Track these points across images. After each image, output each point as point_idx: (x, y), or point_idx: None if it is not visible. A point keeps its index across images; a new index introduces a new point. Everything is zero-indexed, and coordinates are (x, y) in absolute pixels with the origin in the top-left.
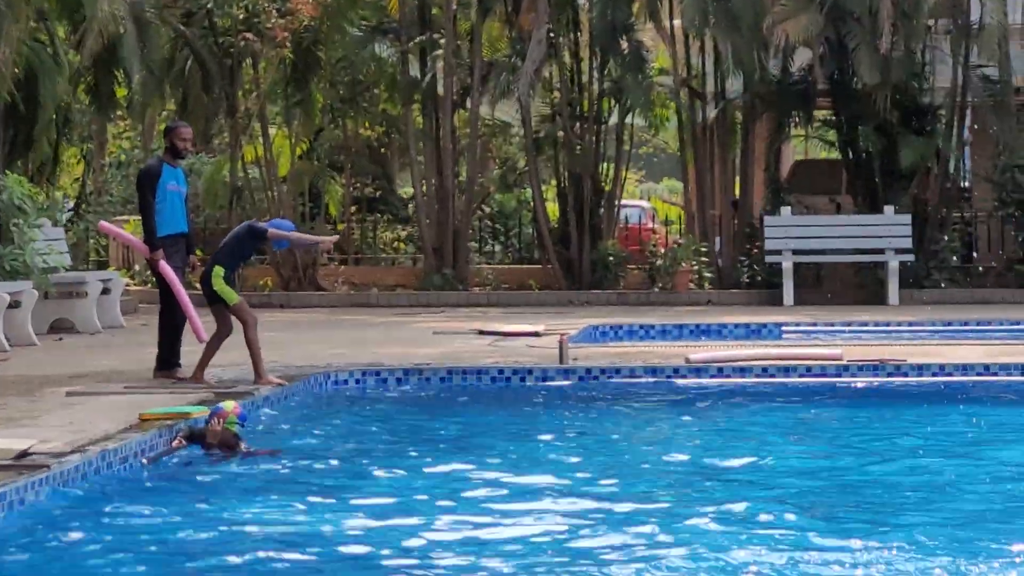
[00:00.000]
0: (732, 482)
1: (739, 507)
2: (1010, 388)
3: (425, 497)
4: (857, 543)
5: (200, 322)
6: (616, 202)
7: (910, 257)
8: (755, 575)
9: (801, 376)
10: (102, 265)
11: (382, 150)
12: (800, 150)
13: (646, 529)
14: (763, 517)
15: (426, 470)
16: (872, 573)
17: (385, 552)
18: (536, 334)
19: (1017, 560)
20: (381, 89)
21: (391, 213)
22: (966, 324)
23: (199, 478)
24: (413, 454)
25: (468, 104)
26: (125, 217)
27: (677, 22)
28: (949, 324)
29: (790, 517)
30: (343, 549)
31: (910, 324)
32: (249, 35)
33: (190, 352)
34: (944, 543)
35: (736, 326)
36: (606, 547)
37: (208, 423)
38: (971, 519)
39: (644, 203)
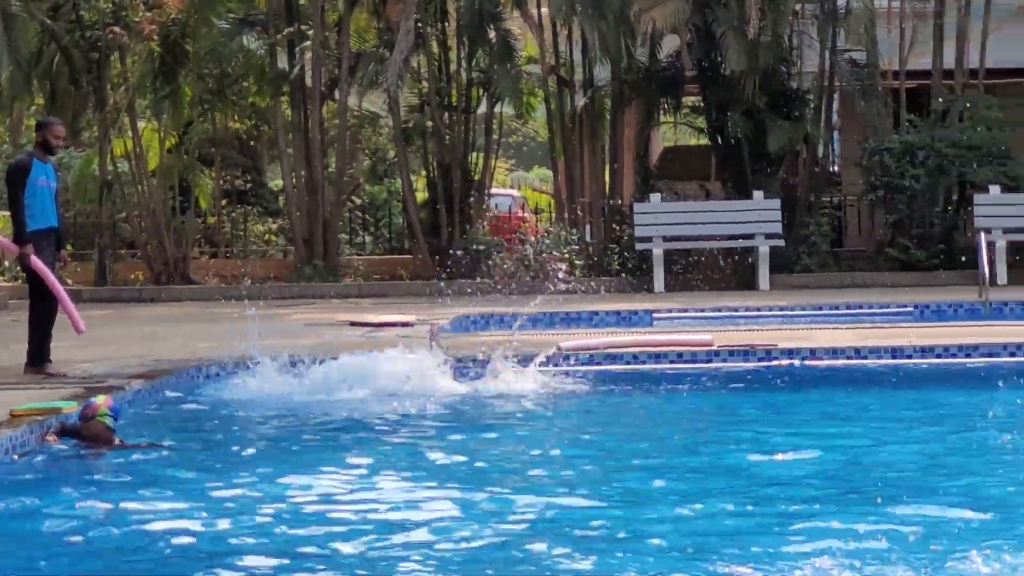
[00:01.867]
0: (624, 468)
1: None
2: (878, 371)
3: (293, 487)
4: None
5: (78, 314)
6: (486, 191)
7: (780, 242)
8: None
9: (672, 362)
10: None
11: (251, 143)
12: (669, 137)
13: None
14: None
15: (294, 461)
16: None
17: (250, 542)
18: (408, 324)
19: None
20: (250, 81)
21: (261, 205)
22: (836, 308)
23: (71, 472)
24: (284, 446)
25: (337, 95)
26: None
27: (545, 10)
28: (819, 308)
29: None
30: (211, 542)
31: (780, 309)
32: (116, 28)
33: (66, 348)
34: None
35: (607, 313)
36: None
37: (82, 418)
38: (831, 500)
39: (514, 192)
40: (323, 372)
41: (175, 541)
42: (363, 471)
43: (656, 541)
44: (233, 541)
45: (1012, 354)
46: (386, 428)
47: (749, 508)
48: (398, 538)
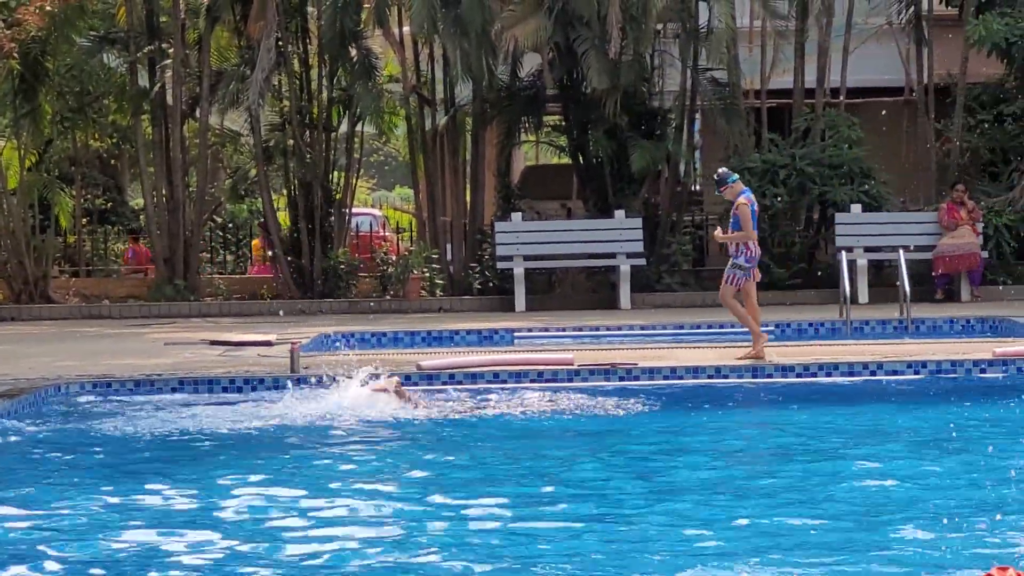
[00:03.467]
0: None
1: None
2: (740, 390)
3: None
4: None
5: None
6: (347, 210)
7: (641, 261)
8: None
9: (532, 381)
10: None
11: (112, 161)
12: (531, 156)
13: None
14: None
15: (153, 477)
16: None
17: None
18: (268, 343)
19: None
20: (110, 100)
21: (122, 224)
22: (698, 327)
23: None
24: (137, 464)
25: (198, 114)
26: None
27: (406, 29)
28: (681, 327)
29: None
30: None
31: (642, 328)
32: None
33: None
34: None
35: (468, 332)
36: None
37: None
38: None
39: (375, 211)
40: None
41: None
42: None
43: None
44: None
45: (872, 373)
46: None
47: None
48: None
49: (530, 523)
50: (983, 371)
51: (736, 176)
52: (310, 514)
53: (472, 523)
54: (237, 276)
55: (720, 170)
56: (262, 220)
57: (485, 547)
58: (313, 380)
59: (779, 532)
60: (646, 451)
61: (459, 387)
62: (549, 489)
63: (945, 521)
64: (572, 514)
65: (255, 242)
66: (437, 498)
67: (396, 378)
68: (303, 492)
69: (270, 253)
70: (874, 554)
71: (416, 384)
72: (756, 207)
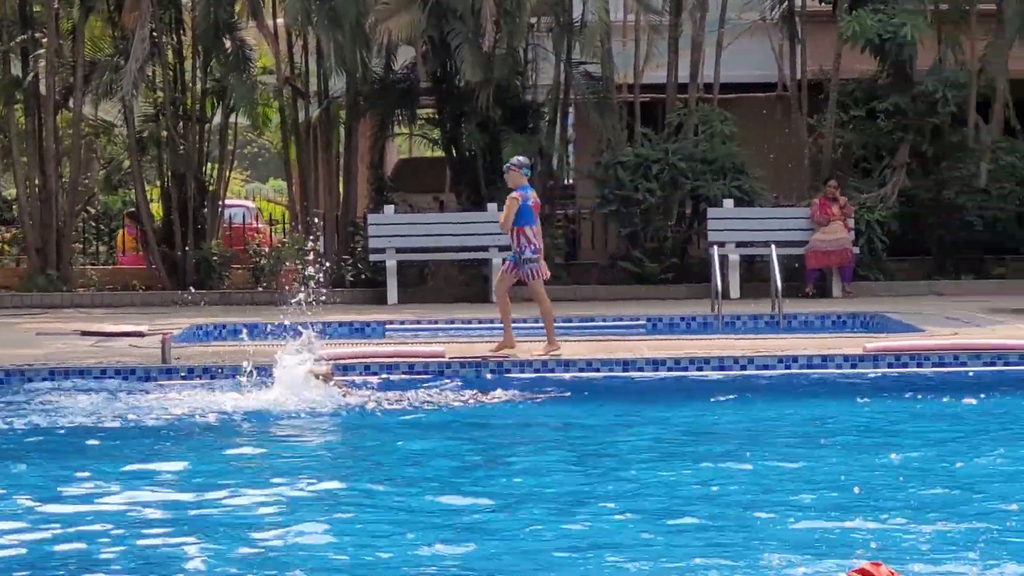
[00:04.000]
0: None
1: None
2: (609, 383)
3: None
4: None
5: None
6: (220, 202)
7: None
8: None
9: (404, 373)
10: None
11: None
12: (404, 148)
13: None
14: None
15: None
16: None
17: None
18: (140, 334)
19: None
20: None
21: None
22: (569, 321)
23: None
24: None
25: (71, 104)
26: None
27: (280, 20)
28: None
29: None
30: None
31: (514, 321)
32: None
33: None
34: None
35: (340, 325)
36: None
37: None
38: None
39: (249, 203)
40: None
41: None
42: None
43: None
44: None
45: (743, 368)
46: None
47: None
48: None
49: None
50: (854, 366)
51: (528, 171)
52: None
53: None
54: (110, 267)
55: (522, 158)
56: (130, 210)
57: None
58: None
59: (648, 527)
60: (507, 443)
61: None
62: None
63: (815, 516)
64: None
65: (122, 231)
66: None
67: (329, 366)
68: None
69: (137, 243)
70: (745, 549)
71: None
72: (532, 203)
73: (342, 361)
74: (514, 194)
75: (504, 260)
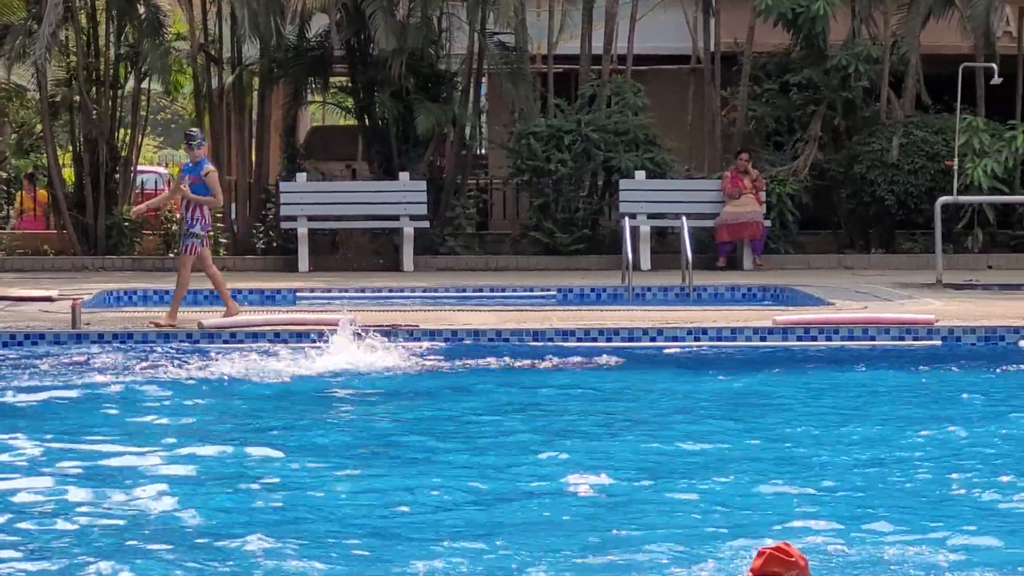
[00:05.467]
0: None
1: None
2: (519, 351)
3: None
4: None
5: None
6: (132, 168)
7: (425, 224)
8: None
9: (313, 341)
10: None
11: None
12: (317, 116)
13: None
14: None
15: None
16: None
17: None
18: (49, 299)
19: None
20: None
21: None
22: (480, 290)
23: None
24: None
25: None
26: None
27: None
28: (463, 290)
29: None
30: None
31: (424, 290)
32: None
33: None
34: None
35: (251, 292)
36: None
37: None
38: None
39: (161, 169)
40: None
41: None
42: None
43: None
44: None
45: (652, 339)
46: None
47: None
48: None
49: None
50: (763, 339)
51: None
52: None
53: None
54: (20, 232)
55: (195, 129)
56: (29, 172)
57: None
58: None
59: (553, 499)
60: (413, 412)
61: (240, 345)
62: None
63: (727, 491)
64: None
65: (20, 194)
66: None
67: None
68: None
69: (36, 206)
70: (654, 520)
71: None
72: None
73: (252, 328)
74: (211, 167)
75: (191, 243)
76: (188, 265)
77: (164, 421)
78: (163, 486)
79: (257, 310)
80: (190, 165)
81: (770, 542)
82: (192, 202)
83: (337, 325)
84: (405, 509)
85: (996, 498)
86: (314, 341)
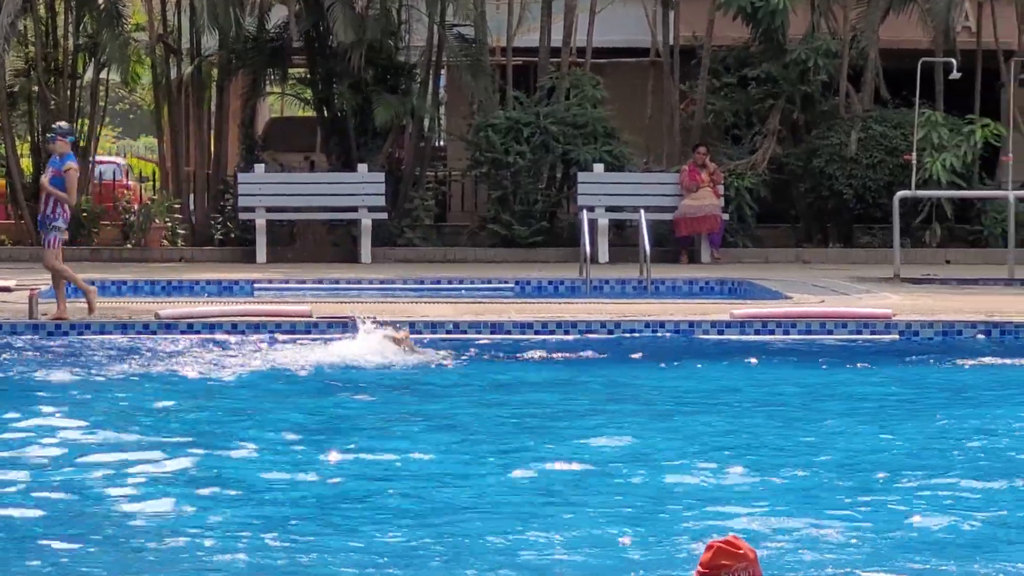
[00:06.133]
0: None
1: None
2: (476, 345)
3: None
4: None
5: None
6: (91, 158)
7: (383, 215)
8: None
9: (271, 332)
10: None
11: None
12: (276, 108)
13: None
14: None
15: None
16: None
17: None
18: (7, 289)
19: None
20: None
21: None
22: (438, 282)
23: None
24: None
25: None
26: None
27: None
28: (421, 282)
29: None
30: None
31: (382, 282)
32: None
33: None
34: None
35: (209, 283)
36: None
37: None
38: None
39: (119, 160)
40: None
41: None
42: None
43: None
44: None
45: (610, 332)
46: None
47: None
48: None
49: None
50: (720, 332)
51: (72, 138)
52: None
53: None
54: None
55: (63, 124)
56: None
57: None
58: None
59: (492, 492)
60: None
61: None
62: None
63: (682, 483)
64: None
65: None
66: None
67: (405, 331)
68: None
69: None
70: (592, 513)
71: None
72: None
73: (210, 319)
74: (73, 163)
75: (55, 236)
76: (60, 257)
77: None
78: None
79: (214, 301)
80: (56, 159)
81: (718, 535)
82: (51, 196)
83: (306, 316)
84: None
85: (951, 490)
86: (272, 332)
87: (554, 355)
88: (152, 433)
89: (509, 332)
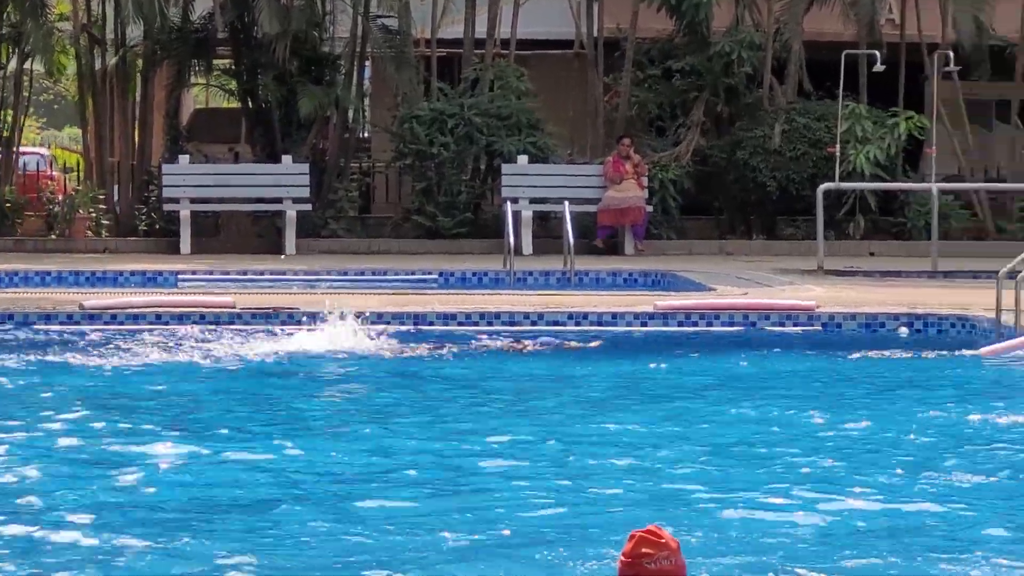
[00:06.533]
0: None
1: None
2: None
3: None
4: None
5: None
6: (15, 149)
7: (308, 207)
8: None
9: (195, 323)
10: None
11: None
12: (201, 99)
13: None
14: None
15: None
16: None
17: None
18: None
19: None
20: None
21: None
22: (362, 274)
23: None
24: None
25: None
26: None
27: None
28: (345, 273)
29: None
30: None
31: (306, 273)
32: None
33: None
34: None
35: (132, 274)
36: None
37: None
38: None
39: (43, 150)
40: None
41: None
42: None
43: None
44: None
45: (533, 323)
46: None
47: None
48: None
49: None
50: (644, 324)
51: None
52: None
53: None
54: None
55: None
56: None
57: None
58: None
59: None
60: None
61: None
62: None
63: (603, 475)
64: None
65: None
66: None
67: None
68: None
69: None
70: (525, 517)
71: None
72: None
73: (134, 310)
74: None
75: None
76: None
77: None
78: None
79: (139, 292)
80: None
81: (639, 528)
82: None
83: (229, 307)
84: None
85: (874, 481)
86: (195, 323)
87: (474, 346)
88: (74, 426)
89: (432, 323)
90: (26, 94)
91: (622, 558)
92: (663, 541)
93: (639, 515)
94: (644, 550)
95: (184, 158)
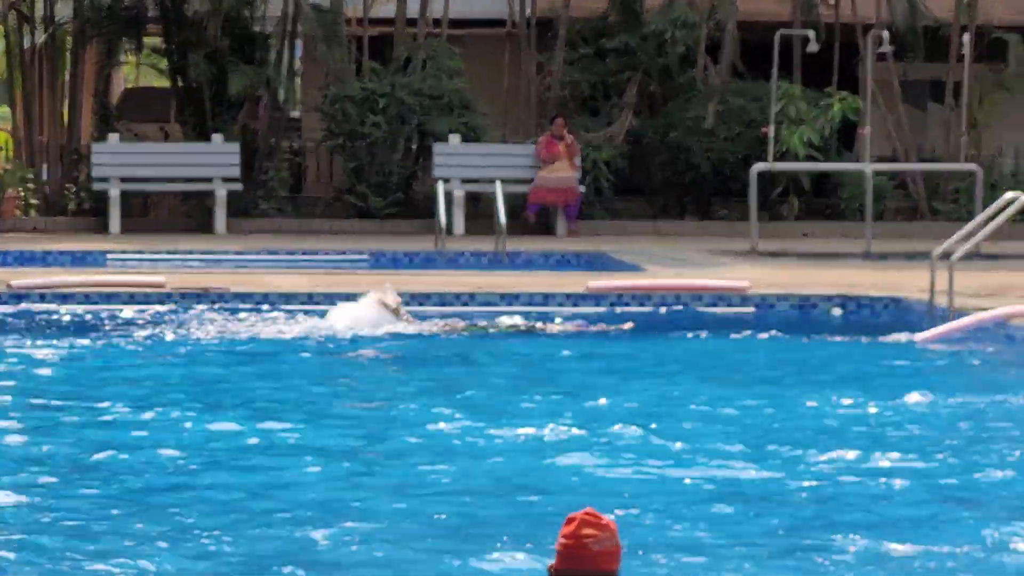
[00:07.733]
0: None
1: None
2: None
3: None
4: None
5: None
6: None
7: (238, 186)
8: None
9: (124, 303)
10: None
11: None
12: (132, 78)
13: None
14: None
15: None
16: None
17: None
18: None
19: None
20: None
21: None
22: (293, 254)
23: None
24: None
25: None
26: None
27: None
28: (275, 253)
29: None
30: None
31: (236, 253)
32: None
33: None
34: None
35: (61, 253)
36: None
37: None
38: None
39: None
40: None
41: None
42: None
43: None
44: None
45: (465, 304)
46: None
47: None
48: None
49: None
50: (575, 305)
51: None
52: None
53: None
54: None
55: None
56: None
57: None
58: None
59: (366, 469)
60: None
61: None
62: None
63: (529, 463)
64: None
65: None
66: None
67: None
68: None
69: None
70: (477, 499)
71: None
72: None
73: (63, 289)
74: None
75: None
76: None
77: None
78: None
79: (68, 271)
80: None
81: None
82: None
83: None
84: None
85: (803, 464)
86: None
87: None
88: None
89: None
90: None
91: (562, 540)
92: (604, 523)
93: (575, 500)
94: (587, 531)
95: (114, 137)
